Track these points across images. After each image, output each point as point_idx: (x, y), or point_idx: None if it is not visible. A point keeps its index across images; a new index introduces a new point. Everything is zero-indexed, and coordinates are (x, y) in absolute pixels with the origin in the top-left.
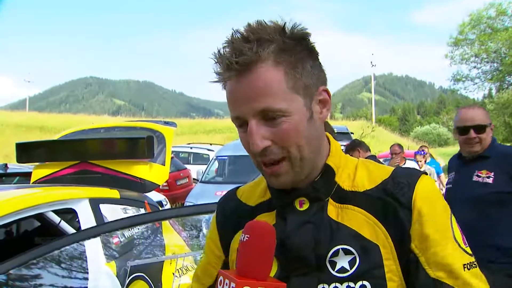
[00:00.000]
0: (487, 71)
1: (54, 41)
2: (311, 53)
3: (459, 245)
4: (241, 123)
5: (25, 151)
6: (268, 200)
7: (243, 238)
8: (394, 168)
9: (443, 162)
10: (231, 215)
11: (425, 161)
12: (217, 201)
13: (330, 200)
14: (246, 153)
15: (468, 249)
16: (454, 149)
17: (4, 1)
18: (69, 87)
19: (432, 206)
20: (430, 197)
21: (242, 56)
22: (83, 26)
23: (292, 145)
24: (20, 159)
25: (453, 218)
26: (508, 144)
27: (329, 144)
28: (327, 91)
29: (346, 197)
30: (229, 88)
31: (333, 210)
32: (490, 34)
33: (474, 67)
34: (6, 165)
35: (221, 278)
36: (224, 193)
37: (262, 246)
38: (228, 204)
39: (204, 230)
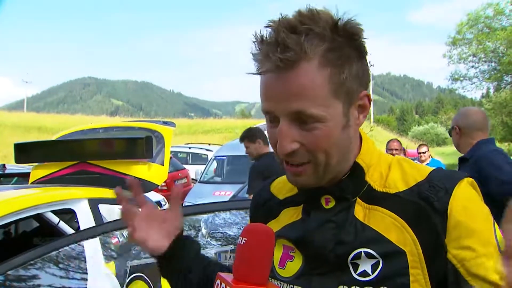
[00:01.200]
0: (485, 70)
1: (52, 41)
2: (360, 53)
3: None
4: (272, 118)
5: (24, 151)
6: (296, 194)
7: (241, 241)
8: (433, 169)
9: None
10: (262, 206)
11: (424, 161)
12: (215, 201)
13: (359, 200)
14: (245, 153)
15: None
16: (453, 148)
17: (4, 1)
18: (67, 87)
19: (471, 213)
20: (469, 204)
21: (287, 52)
22: (81, 26)
23: (321, 151)
24: (18, 160)
25: (496, 226)
26: (506, 144)
27: (361, 141)
28: (368, 97)
29: (375, 198)
30: (266, 80)
31: (360, 210)
32: (488, 34)
33: (472, 66)
34: (4, 165)
35: (218, 281)
36: (222, 193)
37: (260, 250)
38: (262, 194)
39: (203, 230)
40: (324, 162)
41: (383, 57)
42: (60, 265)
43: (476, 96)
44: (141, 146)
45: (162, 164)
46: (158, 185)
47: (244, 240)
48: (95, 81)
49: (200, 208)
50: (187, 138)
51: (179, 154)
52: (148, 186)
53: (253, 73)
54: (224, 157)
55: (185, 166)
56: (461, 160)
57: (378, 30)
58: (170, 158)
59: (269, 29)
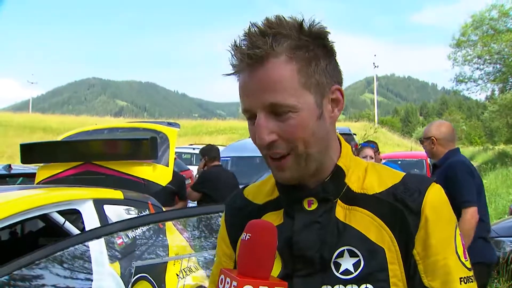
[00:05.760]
0: (490, 72)
1: (57, 42)
2: (328, 52)
3: (459, 258)
4: (250, 115)
5: (29, 152)
6: (275, 198)
7: (245, 237)
8: (406, 173)
9: None
10: (238, 213)
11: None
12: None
13: (339, 201)
14: (249, 154)
15: (468, 263)
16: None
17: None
18: (72, 88)
19: (439, 215)
20: (439, 206)
21: (255, 49)
22: (86, 27)
23: (299, 140)
24: (24, 160)
25: (457, 230)
26: (511, 145)
27: (340, 145)
28: (340, 91)
29: (354, 199)
30: (241, 80)
31: (341, 211)
32: (493, 36)
33: (477, 68)
34: (10, 165)
35: (222, 276)
36: None
37: (264, 245)
38: (235, 202)
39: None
40: (304, 151)
41: (388, 59)
42: (65, 265)
43: (480, 98)
44: (146, 147)
45: (167, 165)
46: (163, 186)
47: (249, 236)
48: (99, 81)
49: (205, 209)
50: (191, 139)
51: (183, 155)
52: (153, 187)
53: (228, 74)
54: (228, 158)
55: (190, 167)
56: (434, 166)
57: (382, 31)
58: (175, 159)
59: (241, 37)
